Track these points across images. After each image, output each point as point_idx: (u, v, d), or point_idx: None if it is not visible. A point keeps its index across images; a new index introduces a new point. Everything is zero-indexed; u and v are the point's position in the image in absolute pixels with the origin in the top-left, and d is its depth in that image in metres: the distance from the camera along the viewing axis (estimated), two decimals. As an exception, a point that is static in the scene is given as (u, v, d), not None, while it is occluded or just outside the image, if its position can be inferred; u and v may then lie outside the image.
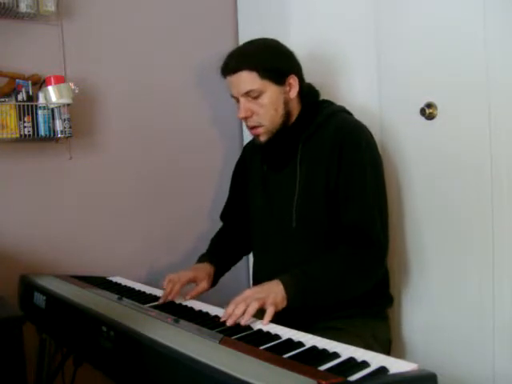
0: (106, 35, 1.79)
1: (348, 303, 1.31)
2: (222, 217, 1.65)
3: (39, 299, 1.31)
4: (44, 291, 1.31)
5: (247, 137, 1.93)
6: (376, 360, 0.82)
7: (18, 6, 1.53)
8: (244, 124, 1.42)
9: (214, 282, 1.46)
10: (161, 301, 1.30)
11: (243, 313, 1.07)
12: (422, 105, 1.43)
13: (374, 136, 1.37)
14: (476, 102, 1.31)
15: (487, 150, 1.29)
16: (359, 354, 0.86)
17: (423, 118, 1.43)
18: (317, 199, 1.32)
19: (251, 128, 1.37)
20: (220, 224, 1.66)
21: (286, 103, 1.35)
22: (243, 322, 1.06)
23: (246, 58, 1.32)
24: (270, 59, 1.33)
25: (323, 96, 1.46)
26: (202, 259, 1.49)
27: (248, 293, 1.12)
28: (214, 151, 2.02)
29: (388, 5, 1.55)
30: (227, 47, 1.40)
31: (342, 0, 1.66)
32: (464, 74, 1.34)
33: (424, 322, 1.50)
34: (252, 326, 1.06)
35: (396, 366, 0.79)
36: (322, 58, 1.65)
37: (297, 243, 1.35)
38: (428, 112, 1.42)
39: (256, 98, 1.32)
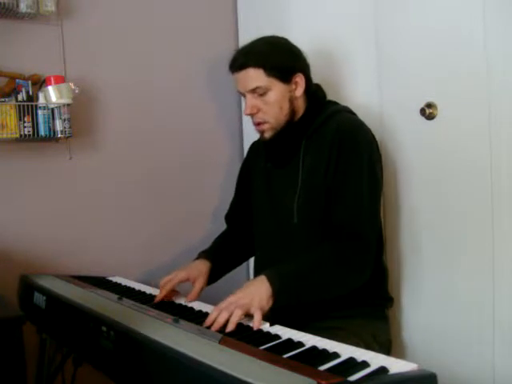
0: (105, 35, 1.79)
1: (347, 303, 1.30)
2: (227, 218, 1.64)
3: (39, 299, 1.31)
4: (44, 291, 1.31)
5: (247, 136, 1.93)
6: (376, 360, 0.82)
7: (18, 6, 1.54)
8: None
9: (213, 278, 1.44)
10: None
11: (226, 321, 1.03)
12: (422, 105, 1.43)
13: (375, 136, 1.37)
14: (476, 102, 1.31)
15: (487, 150, 1.29)
16: (359, 354, 0.86)
17: (423, 118, 1.43)
18: (317, 196, 1.32)
19: (257, 124, 1.37)
20: (221, 224, 1.65)
21: (292, 101, 1.36)
22: (228, 330, 1.02)
23: (254, 55, 1.33)
24: (277, 57, 1.33)
25: (324, 96, 1.46)
26: (199, 256, 1.48)
27: (232, 298, 1.09)
28: (215, 151, 2.02)
29: (388, 4, 1.55)
30: (227, 47, 1.40)
31: (341, 0, 1.66)
32: (464, 74, 1.34)
33: (424, 322, 1.50)
34: (251, 325, 1.06)
35: (396, 366, 0.79)
36: (322, 58, 1.65)
37: (298, 239, 1.34)
38: (428, 112, 1.42)
39: (262, 95, 1.32)
